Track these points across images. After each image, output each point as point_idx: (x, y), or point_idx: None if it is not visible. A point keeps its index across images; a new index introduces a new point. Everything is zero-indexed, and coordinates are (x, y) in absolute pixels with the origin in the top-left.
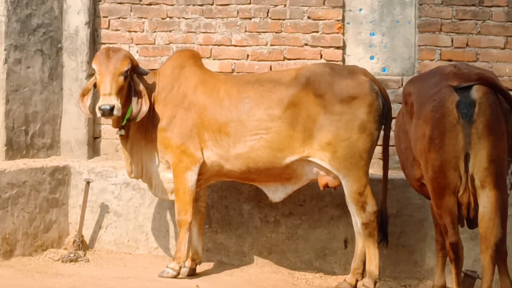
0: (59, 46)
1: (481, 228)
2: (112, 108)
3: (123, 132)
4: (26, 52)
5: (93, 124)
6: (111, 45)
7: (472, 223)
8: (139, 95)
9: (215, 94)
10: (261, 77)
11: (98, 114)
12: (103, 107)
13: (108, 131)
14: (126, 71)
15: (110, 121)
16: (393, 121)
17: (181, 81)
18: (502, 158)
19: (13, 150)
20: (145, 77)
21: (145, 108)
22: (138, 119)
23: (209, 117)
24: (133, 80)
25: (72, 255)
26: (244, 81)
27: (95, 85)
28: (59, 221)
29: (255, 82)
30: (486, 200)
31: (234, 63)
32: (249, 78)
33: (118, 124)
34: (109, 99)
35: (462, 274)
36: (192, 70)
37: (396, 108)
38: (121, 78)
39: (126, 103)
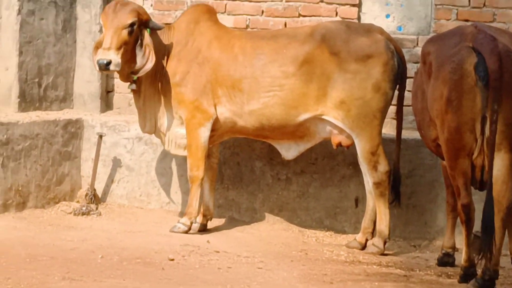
0: None
1: (494, 192)
2: (108, 63)
3: (134, 86)
4: (40, 3)
5: (106, 78)
6: None
7: (484, 185)
8: (145, 50)
9: (230, 50)
10: (276, 34)
11: (96, 68)
12: (100, 61)
13: (121, 85)
14: (131, 25)
15: None
16: (408, 81)
17: (195, 36)
18: None
19: (26, 102)
20: (159, 31)
21: (150, 64)
22: (140, 74)
23: (223, 73)
24: (141, 35)
25: (84, 208)
26: (259, 37)
27: None
28: (72, 174)
29: (270, 38)
30: (500, 163)
31: (249, 19)
32: (264, 34)
33: (127, 78)
34: (107, 53)
35: (472, 235)
36: (207, 25)
37: (411, 68)
38: (125, 32)
39: (134, 58)
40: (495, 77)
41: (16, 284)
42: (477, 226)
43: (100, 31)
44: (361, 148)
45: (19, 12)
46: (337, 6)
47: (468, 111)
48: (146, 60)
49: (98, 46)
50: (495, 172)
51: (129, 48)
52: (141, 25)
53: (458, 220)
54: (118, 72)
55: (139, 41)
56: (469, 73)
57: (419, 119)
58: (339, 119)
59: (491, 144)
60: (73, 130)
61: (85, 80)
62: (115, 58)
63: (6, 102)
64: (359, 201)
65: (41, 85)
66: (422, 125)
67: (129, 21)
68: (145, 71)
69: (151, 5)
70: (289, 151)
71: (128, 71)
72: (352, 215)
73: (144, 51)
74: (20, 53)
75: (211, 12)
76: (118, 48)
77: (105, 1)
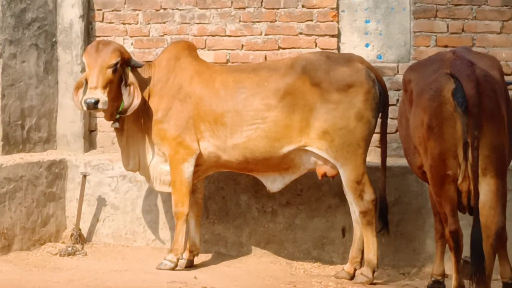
0: (54, 40)
1: (482, 217)
2: (96, 102)
3: (117, 125)
4: (21, 46)
5: (89, 118)
6: (105, 38)
7: (472, 210)
8: (130, 88)
9: (211, 84)
10: (257, 67)
11: (84, 107)
12: (88, 100)
13: (104, 124)
14: (115, 64)
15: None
16: (390, 108)
17: (176, 73)
18: (503, 146)
19: (10, 144)
20: (140, 69)
21: (136, 101)
22: (129, 113)
23: (205, 108)
24: (124, 73)
25: (70, 248)
26: (240, 71)
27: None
28: (57, 215)
29: (250, 72)
30: (487, 189)
31: (229, 54)
32: (244, 68)
33: (111, 117)
34: (94, 93)
35: (462, 261)
36: (188, 61)
37: (392, 96)
38: (109, 72)
39: (118, 97)
40: (473, 103)
41: None
42: (466, 251)
43: (82, 71)
44: (346, 178)
45: (1, 55)
46: (316, 37)
47: (450, 137)
48: (132, 98)
49: (79, 86)
50: (482, 197)
51: (114, 87)
52: (124, 63)
53: (447, 246)
54: (103, 111)
55: (123, 80)
56: (447, 100)
57: (405, 146)
58: (323, 150)
59: (474, 171)
60: (57, 171)
61: (68, 120)
62: (102, 96)
63: None
64: (346, 231)
65: (24, 127)
66: (408, 152)
67: (113, 61)
68: (133, 108)
69: (132, 44)
70: (274, 183)
71: (113, 109)
72: (339, 245)
73: (129, 90)
74: (3, 96)
75: (191, 48)
76: (104, 87)
77: (85, 41)
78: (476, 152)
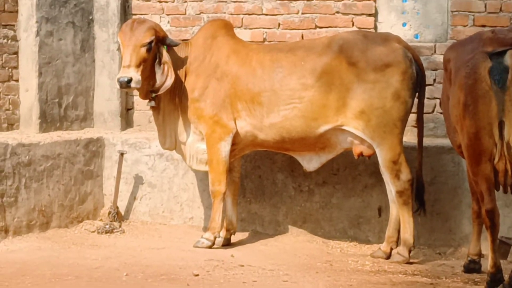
0: (90, 17)
1: None
2: (129, 80)
3: (153, 103)
4: (58, 24)
5: (126, 96)
6: (141, 16)
7: (507, 189)
8: (164, 67)
9: (248, 63)
10: (294, 46)
11: (117, 85)
12: (121, 79)
13: (141, 102)
14: (149, 43)
15: None
16: (427, 88)
17: (213, 51)
18: None
19: (47, 122)
20: (176, 47)
21: (169, 81)
22: (161, 91)
23: (242, 87)
24: (159, 52)
25: (107, 226)
26: (277, 50)
27: None
28: (94, 193)
29: (287, 51)
30: None
31: (266, 32)
32: (281, 47)
33: (146, 95)
34: (128, 71)
35: (498, 241)
36: (224, 40)
37: (429, 75)
38: (143, 50)
39: (153, 75)
40: None
41: None
42: (502, 231)
43: (119, 49)
44: (383, 157)
45: (38, 33)
46: (353, 16)
47: (485, 115)
48: (165, 77)
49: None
50: None
51: (148, 66)
52: (158, 42)
53: (484, 227)
54: (138, 89)
55: (158, 59)
56: (483, 78)
57: (447, 125)
58: (360, 129)
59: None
60: (94, 149)
61: (105, 98)
62: (135, 75)
63: (27, 123)
64: (382, 210)
65: (61, 105)
66: (449, 131)
67: (147, 39)
68: (165, 88)
69: (168, 22)
70: (310, 162)
71: (148, 88)
72: (375, 225)
73: (163, 69)
74: (40, 74)
75: (228, 27)
76: (138, 66)
77: (122, 20)
78: None
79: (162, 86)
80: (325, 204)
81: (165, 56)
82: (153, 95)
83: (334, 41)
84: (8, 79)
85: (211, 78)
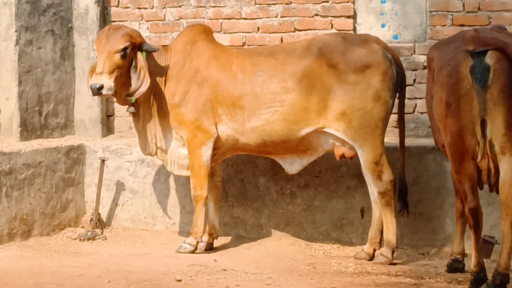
0: (70, 25)
1: (502, 195)
2: (101, 87)
3: (133, 109)
4: (37, 32)
5: (106, 103)
6: (121, 23)
7: (493, 188)
8: (140, 72)
9: (228, 68)
10: (274, 50)
11: (90, 92)
12: (92, 86)
13: (122, 109)
14: (123, 49)
15: None
16: (408, 89)
17: (193, 57)
18: None
19: (28, 131)
20: (156, 53)
21: (145, 86)
22: (135, 96)
23: (222, 91)
24: (135, 58)
25: (89, 233)
26: (257, 54)
27: None
28: (76, 200)
29: (268, 55)
30: (506, 167)
31: (245, 36)
32: (261, 51)
33: (125, 101)
34: (100, 78)
35: (481, 240)
36: (204, 45)
37: (409, 76)
38: (117, 56)
39: (129, 82)
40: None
41: None
42: (485, 230)
43: None
44: (365, 159)
45: (17, 42)
46: (332, 18)
47: (467, 114)
48: (141, 82)
49: (93, 70)
50: (502, 175)
51: (124, 72)
52: (135, 48)
53: (467, 226)
54: (114, 96)
55: (134, 64)
56: (464, 76)
57: (432, 124)
58: (341, 131)
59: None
60: (75, 156)
61: (86, 106)
62: (107, 82)
63: (8, 132)
64: (365, 212)
65: (41, 113)
66: (434, 130)
67: (121, 46)
68: (140, 93)
69: (148, 28)
70: (292, 165)
71: (125, 94)
72: (358, 226)
73: (138, 74)
74: (20, 82)
75: (207, 32)
76: (111, 72)
77: (101, 27)
78: None
79: (137, 91)
80: (308, 207)
81: (142, 61)
82: (132, 100)
83: (314, 44)
84: None
85: (192, 83)
